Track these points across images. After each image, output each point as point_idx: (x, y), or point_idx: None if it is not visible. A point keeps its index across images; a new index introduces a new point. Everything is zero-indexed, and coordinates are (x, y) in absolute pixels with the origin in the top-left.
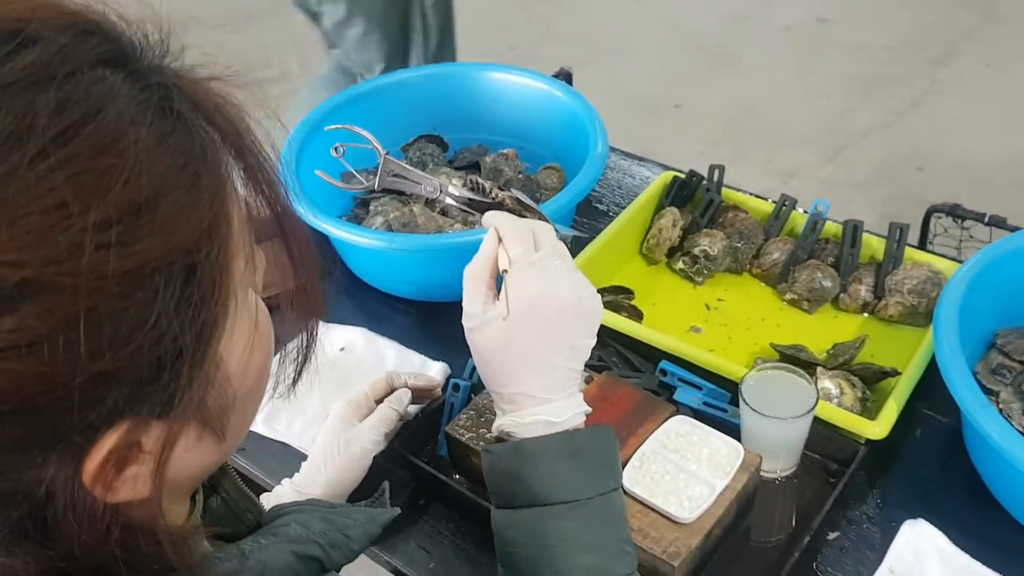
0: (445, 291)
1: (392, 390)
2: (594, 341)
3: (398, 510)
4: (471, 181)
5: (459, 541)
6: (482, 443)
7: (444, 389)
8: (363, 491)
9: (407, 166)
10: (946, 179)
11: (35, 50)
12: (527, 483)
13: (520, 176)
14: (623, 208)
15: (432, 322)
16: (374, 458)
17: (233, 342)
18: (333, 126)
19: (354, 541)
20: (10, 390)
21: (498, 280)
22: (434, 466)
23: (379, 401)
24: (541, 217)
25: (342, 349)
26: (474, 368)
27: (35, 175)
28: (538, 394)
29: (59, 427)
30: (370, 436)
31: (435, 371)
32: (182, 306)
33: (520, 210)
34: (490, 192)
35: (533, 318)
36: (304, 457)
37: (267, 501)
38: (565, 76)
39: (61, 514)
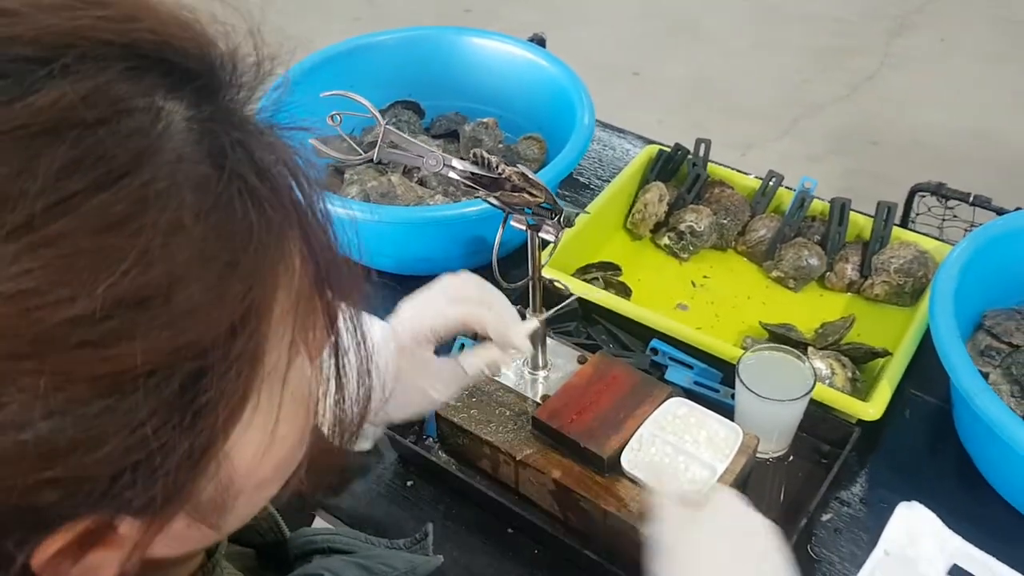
0: (428, 264)
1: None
2: None
3: (441, 559)
4: (475, 155)
5: (449, 524)
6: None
7: None
8: (389, 525)
9: (409, 137)
10: (901, 153)
11: (62, 86)
12: None
13: (500, 146)
14: (604, 181)
15: None
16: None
17: (247, 439)
18: (329, 92)
19: None
20: None
21: None
22: (420, 446)
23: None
24: (545, 191)
25: None
26: (463, 346)
27: (11, 252)
28: None
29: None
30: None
31: None
32: (176, 414)
33: (525, 186)
34: (496, 167)
35: None
36: None
37: None
38: (539, 42)
39: None
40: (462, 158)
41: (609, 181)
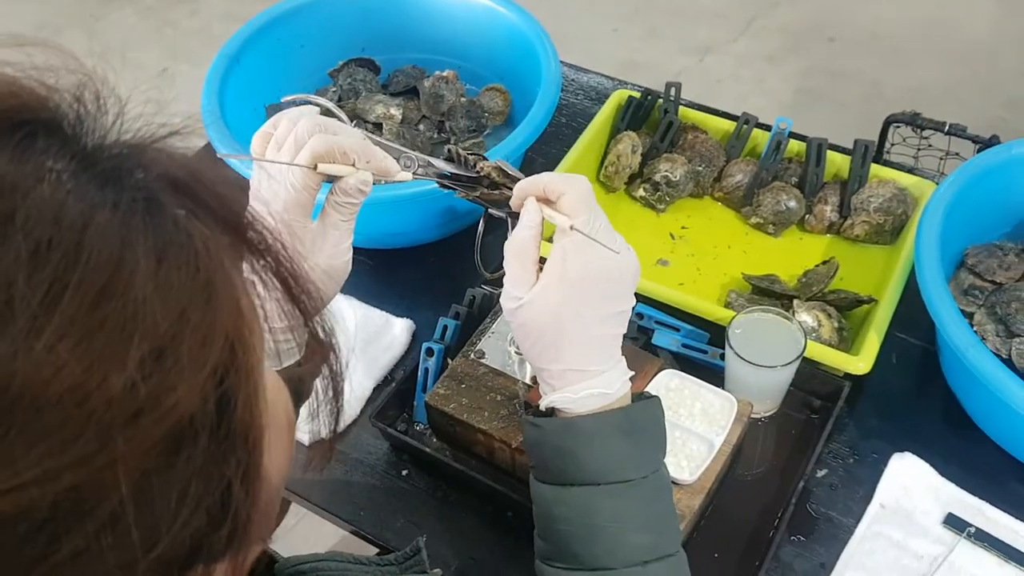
0: (401, 239)
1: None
2: (634, 301)
3: (439, 572)
4: (449, 151)
5: (447, 511)
6: (522, 415)
7: (412, 350)
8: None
9: (382, 140)
10: (858, 48)
11: None
12: (580, 462)
13: (463, 100)
14: (568, 126)
15: (391, 272)
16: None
17: (271, 446)
18: (288, 97)
19: None
20: None
21: None
22: (411, 434)
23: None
24: None
25: None
26: (446, 328)
27: (34, 360)
28: (589, 368)
29: None
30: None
31: (399, 329)
32: (223, 442)
33: (505, 182)
34: (473, 165)
35: (583, 293)
36: None
37: None
38: None
39: None
40: (438, 156)
41: (578, 130)
